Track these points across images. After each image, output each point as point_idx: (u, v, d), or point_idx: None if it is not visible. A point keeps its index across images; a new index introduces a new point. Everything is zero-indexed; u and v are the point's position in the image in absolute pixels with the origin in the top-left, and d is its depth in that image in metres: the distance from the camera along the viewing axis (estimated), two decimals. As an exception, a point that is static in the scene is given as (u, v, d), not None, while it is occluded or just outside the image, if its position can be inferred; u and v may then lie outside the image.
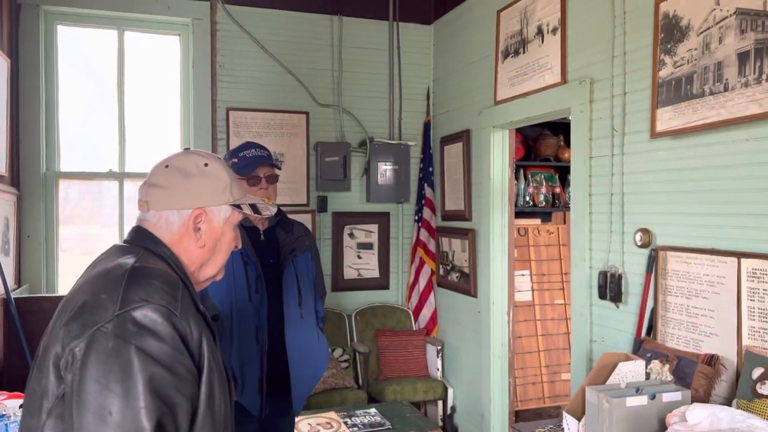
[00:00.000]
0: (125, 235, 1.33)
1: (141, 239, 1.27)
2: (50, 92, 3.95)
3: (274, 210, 1.43)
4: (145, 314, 1.06)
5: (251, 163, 2.40)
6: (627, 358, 2.23)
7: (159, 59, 4.25)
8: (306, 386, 2.51)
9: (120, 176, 4.11)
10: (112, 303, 1.07)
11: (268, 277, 2.42)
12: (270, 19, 4.31)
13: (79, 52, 4.09)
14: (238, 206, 1.34)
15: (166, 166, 1.30)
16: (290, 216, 2.63)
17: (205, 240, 1.30)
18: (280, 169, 2.57)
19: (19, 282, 3.67)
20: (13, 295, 3.19)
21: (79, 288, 1.17)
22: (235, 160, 2.43)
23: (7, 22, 3.62)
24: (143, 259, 1.19)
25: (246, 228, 2.44)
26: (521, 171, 4.67)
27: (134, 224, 1.33)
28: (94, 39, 4.12)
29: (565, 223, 4.91)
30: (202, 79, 4.16)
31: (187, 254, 1.29)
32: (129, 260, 1.17)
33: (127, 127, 4.14)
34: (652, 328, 2.54)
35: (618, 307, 2.75)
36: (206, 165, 1.31)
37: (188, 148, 1.41)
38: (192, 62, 4.15)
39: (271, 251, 2.47)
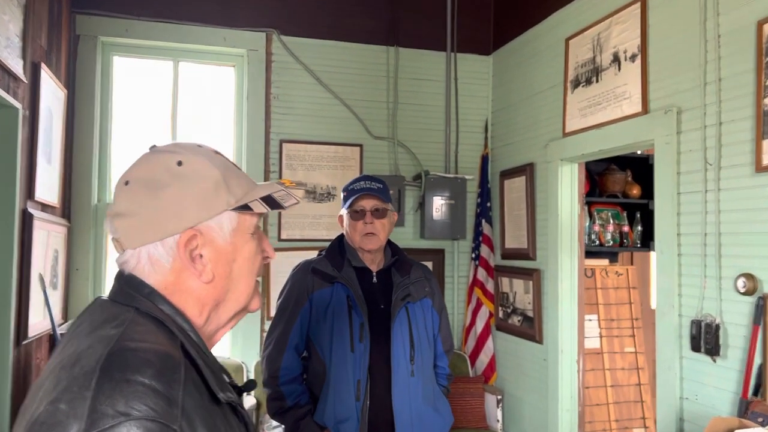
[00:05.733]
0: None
1: (127, 293, 0.89)
2: (104, 123, 3.90)
3: (301, 193, 1.02)
4: None
5: (353, 195, 2.23)
6: (741, 425, 1.93)
7: (213, 90, 4.18)
8: None
9: (170, 209, 4.00)
10: (76, 420, 0.69)
11: (376, 326, 2.16)
12: (326, 50, 4.22)
13: (134, 83, 4.05)
14: (246, 207, 0.94)
15: (126, 183, 0.93)
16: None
17: (213, 270, 0.92)
18: (390, 201, 2.31)
19: (66, 316, 3.56)
20: (59, 331, 3.07)
21: (47, 375, 0.80)
22: (345, 193, 2.29)
23: (66, 53, 3.60)
24: (130, 330, 0.82)
25: (356, 269, 2.22)
26: (586, 208, 4.40)
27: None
28: (150, 69, 4.08)
29: (632, 263, 4.59)
30: (256, 111, 4.06)
31: (194, 299, 0.91)
32: (110, 333, 0.80)
33: (179, 158, 4.05)
34: (760, 387, 2.23)
35: (715, 361, 2.44)
36: (180, 164, 0.91)
37: (154, 146, 0.98)
38: (246, 93, 4.07)
39: (384, 296, 2.22)
